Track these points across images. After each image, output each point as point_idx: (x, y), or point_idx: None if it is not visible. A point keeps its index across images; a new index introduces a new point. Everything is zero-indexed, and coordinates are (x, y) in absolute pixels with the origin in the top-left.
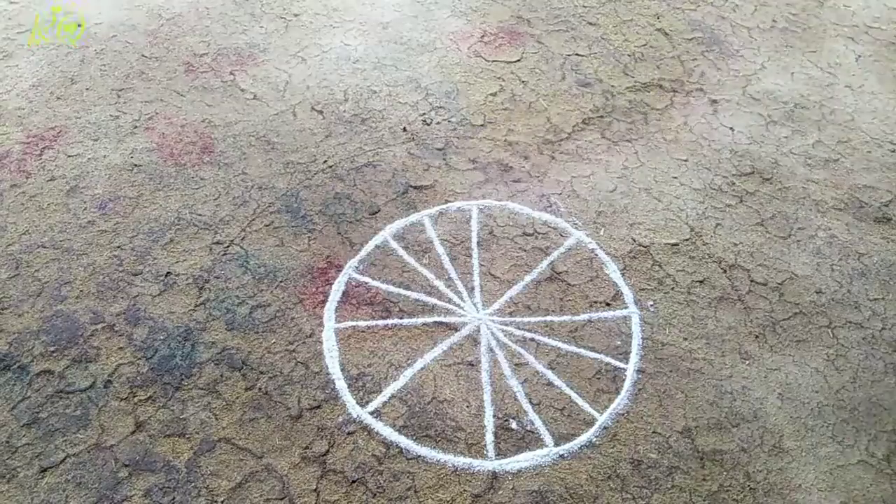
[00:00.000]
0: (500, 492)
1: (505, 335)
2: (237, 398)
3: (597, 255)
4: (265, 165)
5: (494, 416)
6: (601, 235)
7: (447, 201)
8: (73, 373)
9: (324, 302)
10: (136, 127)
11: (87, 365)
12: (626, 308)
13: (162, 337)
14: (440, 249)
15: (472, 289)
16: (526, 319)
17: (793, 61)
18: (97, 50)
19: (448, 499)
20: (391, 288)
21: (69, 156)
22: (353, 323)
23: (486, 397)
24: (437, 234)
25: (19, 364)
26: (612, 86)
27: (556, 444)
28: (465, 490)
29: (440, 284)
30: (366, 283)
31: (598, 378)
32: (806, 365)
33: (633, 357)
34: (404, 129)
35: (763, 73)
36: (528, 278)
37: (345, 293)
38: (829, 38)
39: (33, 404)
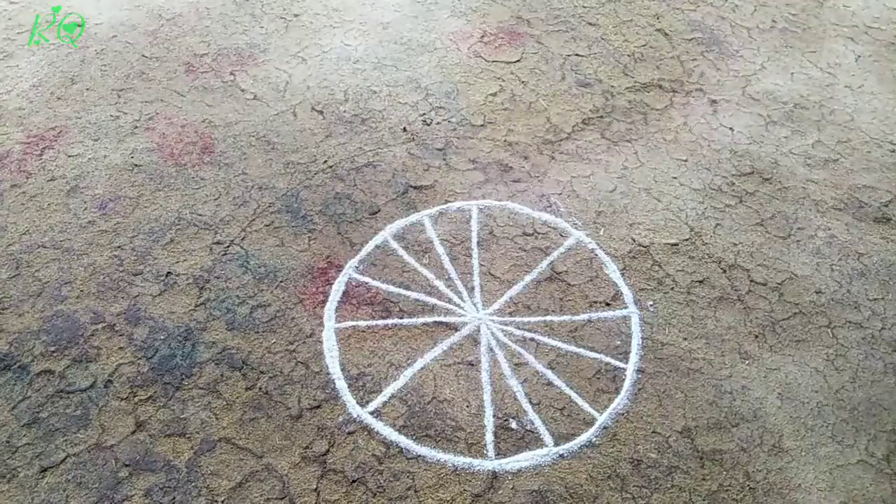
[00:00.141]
0: (500, 491)
1: (505, 335)
2: (237, 398)
3: (596, 255)
4: (265, 165)
5: (494, 415)
6: (601, 235)
7: (447, 201)
8: (74, 373)
9: (324, 302)
10: (136, 127)
11: (88, 365)
12: (625, 308)
13: (162, 337)
14: (440, 249)
15: (472, 289)
16: (526, 319)
17: (792, 61)
18: (97, 50)
19: (448, 498)
20: (391, 288)
21: (69, 156)
22: (354, 323)
23: (486, 397)
24: (437, 234)
25: (20, 364)
26: (612, 86)
27: (556, 444)
28: (465, 490)
29: (440, 284)
30: (366, 283)
31: (598, 378)
32: (805, 365)
33: (633, 357)
34: (404, 130)
35: (763, 74)
36: (527, 278)
37: (345, 293)
38: (828, 39)
39: (34, 404)
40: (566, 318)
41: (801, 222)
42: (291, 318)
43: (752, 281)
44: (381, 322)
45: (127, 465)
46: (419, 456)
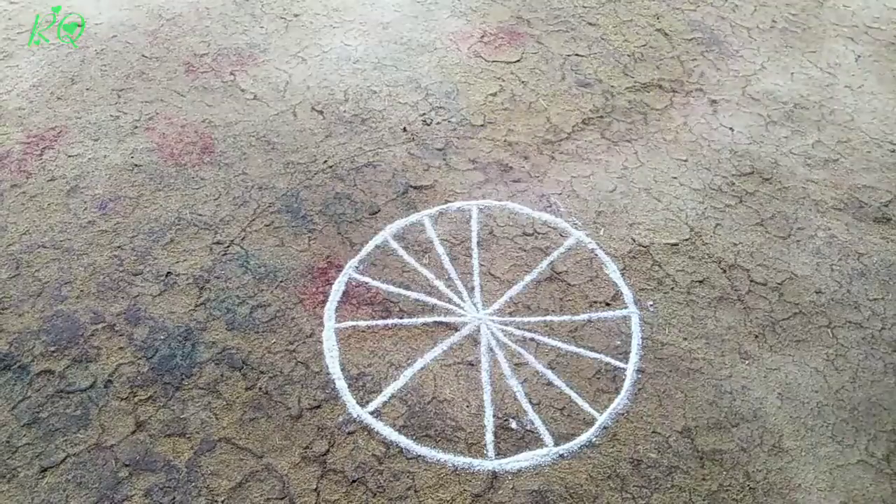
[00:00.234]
0: (500, 491)
1: (505, 335)
2: (237, 398)
3: (596, 255)
4: (265, 165)
5: (494, 415)
6: (601, 235)
7: (447, 201)
8: (74, 373)
9: (324, 302)
10: (136, 127)
11: (88, 365)
12: (625, 308)
13: (162, 337)
14: (440, 249)
15: (472, 289)
16: (526, 319)
17: (792, 61)
18: (97, 50)
19: (448, 498)
20: (391, 288)
21: (69, 156)
22: (354, 323)
23: (486, 397)
24: (437, 234)
25: (20, 364)
26: (612, 86)
27: (556, 444)
28: (465, 490)
29: (440, 284)
30: (366, 283)
31: (598, 378)
32: (805, 365)
33: (633, 357)
34: (404, 130)
35: (763, 74)
36: (527, 278)
37: (345, 293)
38: (828, 39)
39: (34, 404)
40: (566, 318)
41: (801, 222)
42: (291, 318)
43: (752, 281)
44: (381, 322)
45: (127, 465)
46: (419, 456)
